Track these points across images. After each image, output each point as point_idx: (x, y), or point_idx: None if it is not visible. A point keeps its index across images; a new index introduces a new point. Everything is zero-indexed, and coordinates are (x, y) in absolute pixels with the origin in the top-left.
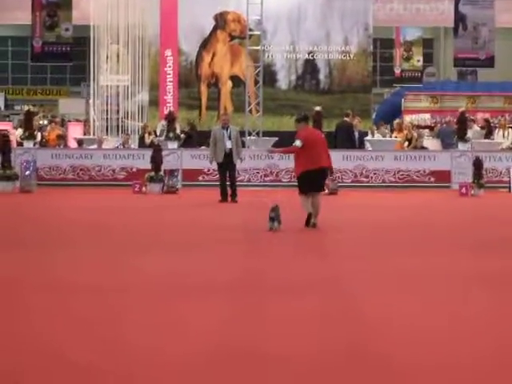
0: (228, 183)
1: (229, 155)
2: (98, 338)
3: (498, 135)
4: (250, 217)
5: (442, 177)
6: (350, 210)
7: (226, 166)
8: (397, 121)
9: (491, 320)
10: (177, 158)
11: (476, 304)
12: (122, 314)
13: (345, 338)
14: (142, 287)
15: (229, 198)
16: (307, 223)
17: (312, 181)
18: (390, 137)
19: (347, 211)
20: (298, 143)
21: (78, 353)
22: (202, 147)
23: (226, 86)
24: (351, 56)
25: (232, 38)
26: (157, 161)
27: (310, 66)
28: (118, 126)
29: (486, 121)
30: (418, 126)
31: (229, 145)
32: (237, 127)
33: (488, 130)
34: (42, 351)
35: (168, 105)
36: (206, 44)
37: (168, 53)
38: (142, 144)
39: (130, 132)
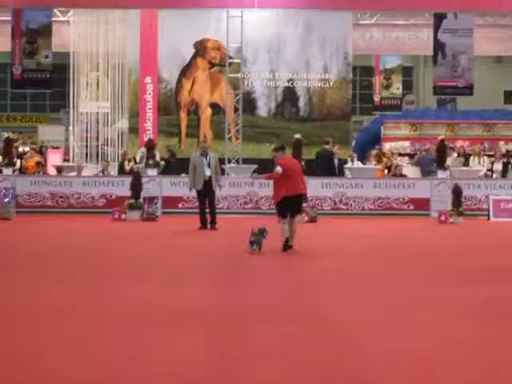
0: (207, 210)
1: (208, 182)
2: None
3: (473, 163)
4: (230, 244)
5: (422, 204)
6: (330, 238)
7: (206, 193)
8: (374, 152)
9: (476, 347)
10: (156, 185)
11: (460, 331)
12: (101, 340)
13: (329, 365)
14: (123, 314)
15: (208, 226)
16: (285, 248)
17: (291, 206)
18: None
19: (327, 238)
20: (278, 169)
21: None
22: (182, 174)
23: (206, 113)
24: (331, 84)
25: (212, 65)
26: (136, 188)
27: (290, 94)
28: (97, 153)
29: (463, 149)
30: (398, 154)
31: (208, 172)
32: (216, 154)
33: (466, 158)
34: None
35: (148, 132)
36: (185, 71)
37: (148, 80)
38: (121, 171)
39: (109, 159)
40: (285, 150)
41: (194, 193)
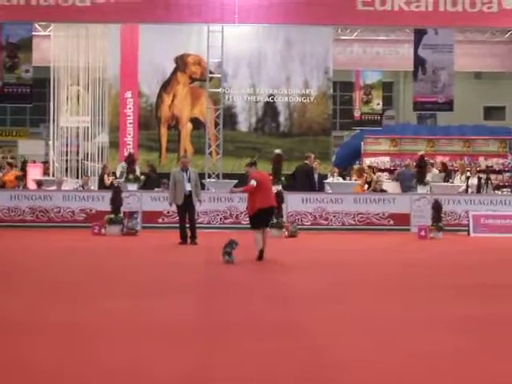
0: (187, 225)
1: (188, 197)
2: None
3: (456, 178)
4: (209, 258)
5: (402, 220)
6: (310, 252)
7: (186, 208)
8: (356, 166)
9: (446, 361)
10: (136, 199)
11: (428, 346)
12: (90, 353)
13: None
14: (105, 327)
15: (188, 240)
16: (259, 257)
17: (264, 217)
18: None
19: (307, 253)
20: (253, 183)
21: None
22: (157, 189)
23: (186, 128)
24: (311, 99)
25: (192, 80)
26: (116, 202)
27: (270, 109)
28: (77, 168)
29: (444, 164)
30: (378, 169)
31: (188, 187)
32: (196, 169)
33: (446, 174)
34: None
35: (128, 146)
36: (166, 86)
37: (128, 95)
38: (101, 185)
39: (89, 173)
40: (256, 165)
41: (174, 208)
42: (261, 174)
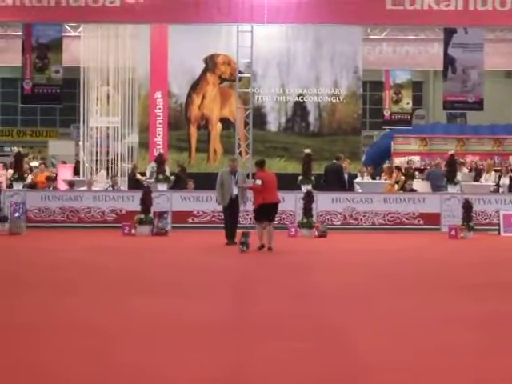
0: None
1: (234, 200)
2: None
3: (485, 177)
4: (238, 258)
5: (432, 219)
6: (339, 252)
7: (231, 209)
8: (386, 164)
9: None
10: (166, 200)
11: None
12: (118, 354)
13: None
14: (138, 328)
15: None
16: (259, 249)
17: (267, 212)
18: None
19: (336, 253)
20: (258, 182)
21: None
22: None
23: (216, 128)
24: (341, 98)
25: (222, 80)
26: (146, 203)
27: (300, 109)
28: (107, 168)
29: (474, 164)
30: (408, 169)
31: (235, 191)
32: (243, 171)
33: (476, 173)
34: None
35: (158, 147)
36: (195, 86)
37: (158, 95)
38: (132, 184)
39: (119, 174)
40: (264, 165)
41: (202, 207)
42: (266, 173)
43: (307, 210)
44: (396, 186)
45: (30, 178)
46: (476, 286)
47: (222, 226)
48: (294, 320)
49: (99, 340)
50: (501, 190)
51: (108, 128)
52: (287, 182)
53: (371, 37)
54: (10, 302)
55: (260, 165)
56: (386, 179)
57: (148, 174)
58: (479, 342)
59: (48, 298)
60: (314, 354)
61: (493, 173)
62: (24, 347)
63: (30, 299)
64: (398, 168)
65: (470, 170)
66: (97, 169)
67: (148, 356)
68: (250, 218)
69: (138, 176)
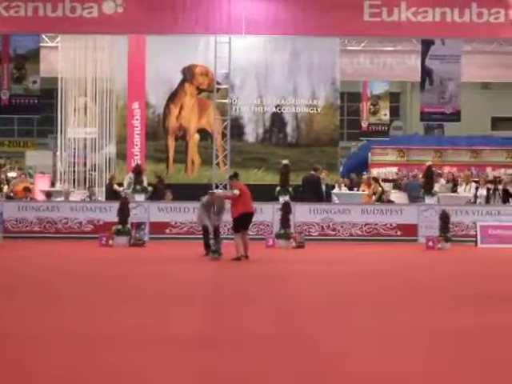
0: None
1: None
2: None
3: (461, 188)
4: (219, 269)
5: (409, 230)
6: (317, 263)
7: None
8: (365, 175)
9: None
10: (144, 210)
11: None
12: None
13: None
14: (116, 339)
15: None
16: (236, 259)
17: (245, 221)
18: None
19: (313, 264)
20: (236, 192)
21: None
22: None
23: (194, 138)
24: (318, 110)
25: (200, 91)
26: (124, 213)
27: (278, 120)
28: (84, 179)
29: (451, 175)
30: (385, 180)
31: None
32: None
33: (454, 184)
34: None
35: (135, 157)
36: (173, 97)
37: (135, 105)
38: (109, 195)
39: (96, 184)
40: (238, 177)
41: (180, 218)
42: (242, 184)
43: (285, 221)
44: (373, 197)
45: (6, 189)
46: (456, 298)
47: (200, 236)
48: (271, 332)
49: (78, 351)
50: (478, 201)
51: (85, 139)
52: (265, 193)
53: (349, 48)
54: None
55: (235, 177)
56: (363, 190)
57: (125, 184)
58: (459, 355)
59: (25, 307)
60: (289, 363)
61: (471, 184)
62: (3, 356)
63: (5, 308)
64: (375, 179)
65: (447, 181)
66: (74, 179)
67: (125, 366)
68: (228, 229)
69: (116, 187)
